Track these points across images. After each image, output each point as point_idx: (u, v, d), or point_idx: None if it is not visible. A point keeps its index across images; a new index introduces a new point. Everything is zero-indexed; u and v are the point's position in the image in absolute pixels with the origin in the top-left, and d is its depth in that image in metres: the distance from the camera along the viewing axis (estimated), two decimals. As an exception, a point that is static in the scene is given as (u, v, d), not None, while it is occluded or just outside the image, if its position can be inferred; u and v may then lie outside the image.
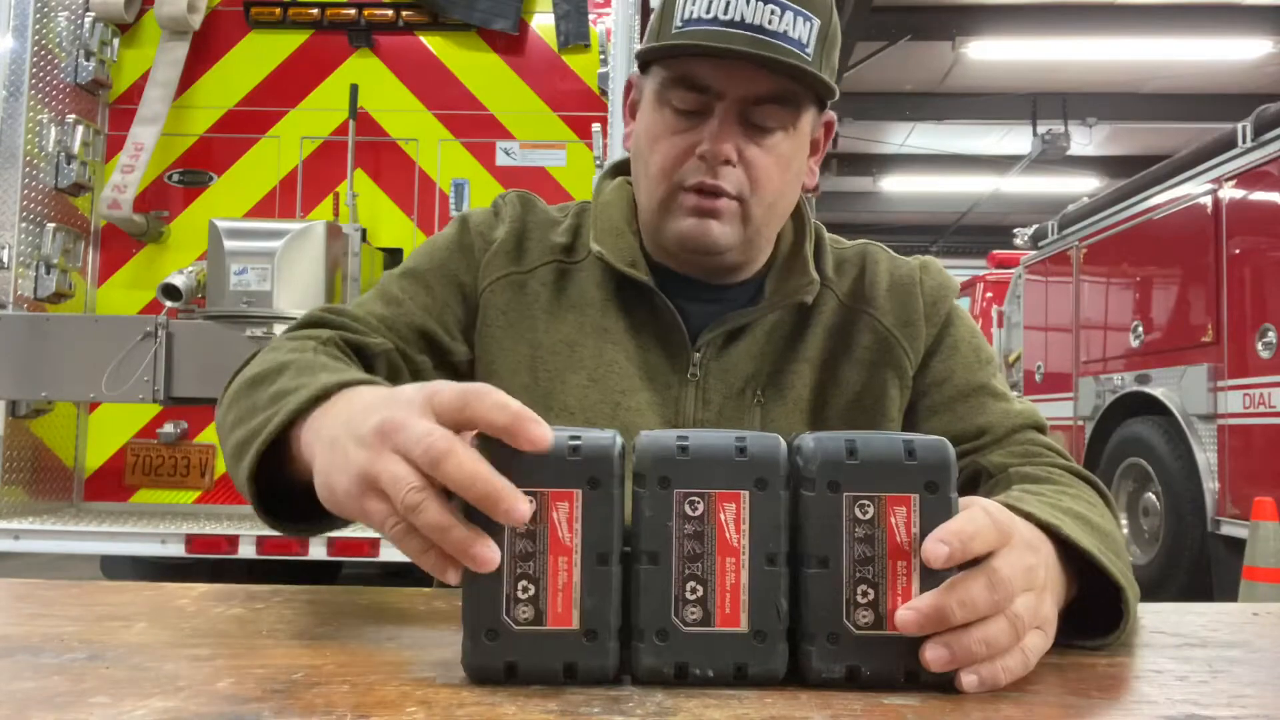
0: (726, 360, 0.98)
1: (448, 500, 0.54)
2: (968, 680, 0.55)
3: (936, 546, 0.54)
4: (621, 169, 1.08)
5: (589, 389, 0.96)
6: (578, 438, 0.56)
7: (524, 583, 0.55)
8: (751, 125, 0.90)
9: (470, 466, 0.52)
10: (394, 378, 0.92)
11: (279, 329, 2.73)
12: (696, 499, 0.56)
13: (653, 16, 0.95)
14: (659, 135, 0.93)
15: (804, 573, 0.56)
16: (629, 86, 1.03)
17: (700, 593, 0.56)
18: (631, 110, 1.02)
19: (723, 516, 0.56)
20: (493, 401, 0.54)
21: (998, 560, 0.56)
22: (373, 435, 0.56)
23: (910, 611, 0.54)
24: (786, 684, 0.57)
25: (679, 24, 0.89)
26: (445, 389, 0.56)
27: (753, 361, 0.98)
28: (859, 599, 0.56)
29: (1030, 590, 0.58)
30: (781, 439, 0.58)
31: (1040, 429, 0.97)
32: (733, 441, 0.57)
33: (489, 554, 0.53)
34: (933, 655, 0.55)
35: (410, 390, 0.58)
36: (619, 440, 0.57)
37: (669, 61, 0.91)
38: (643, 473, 0.57)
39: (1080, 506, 0.77)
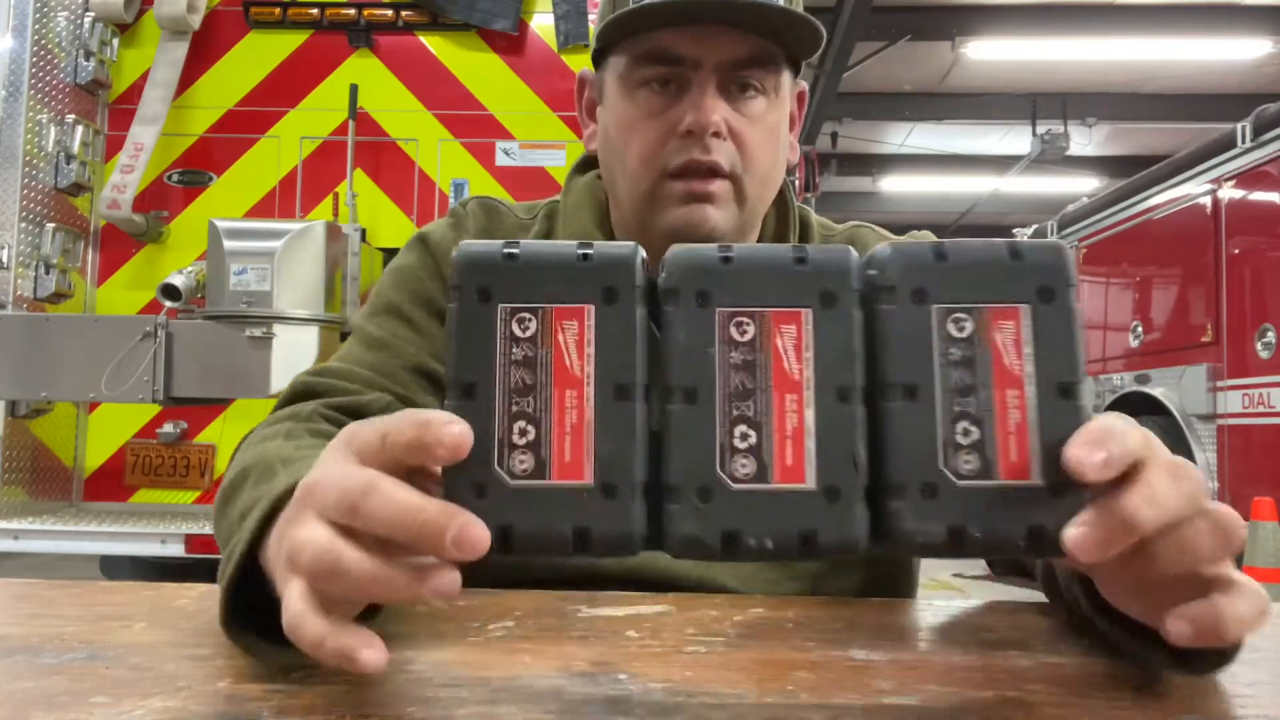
0: None
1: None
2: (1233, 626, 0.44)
3: (1082, 450, 0.41)
4: (590, 164, 1.01)
5: None
6: (589, 244, 0.46)
7: (521, 424, 0.44)
8: (732, 94, 0.84)
9: (398, 498, 0.43)
10: None
11: (279, 329, 2.75)
12: (745, 320, 0.44)
13: (601, 2, 0.89)
14: (633, 121, 0.85)
15: (886, 408, 0.44)
16: (582, 85, 0.96)
17: (753, 440, 0.44)
18: (589, 110, 0.95)
19: (779, 342, 0.44)
20: (407, 421, 0.44)
21: (1162, 454, 0.44)
22: (293, 507, 0.47)
23: (1078, 529, 0.41)
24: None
25: None
26: (363, 427, 0.47)
27: None
28: (959, 439, 0.44)
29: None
30: (854, 249, 0.47)
31: None
32: (790, 251, 0.45)
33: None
34: (1175, 627, 0.44)
35: (332, 443, 0.49)
36: (641, 252, 0.47)
37: (633, 40, 0.84)
38: (675, 288, 0.45)
39: None
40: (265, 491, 0.56)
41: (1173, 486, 0.43)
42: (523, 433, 0.44)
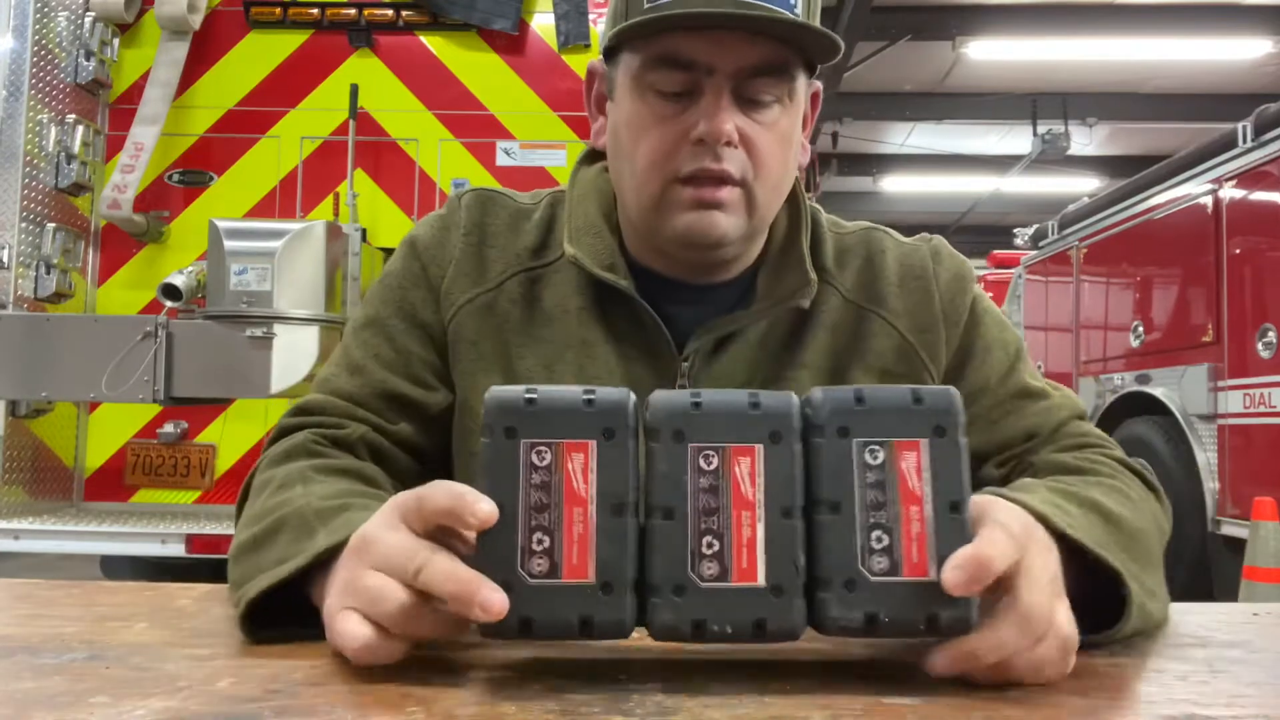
0: (717, 369, 0.90)
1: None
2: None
3: (954, 574, 0.53)
4: (596, 155, 0.99)
5: None
6: (592, 391, 0.57)
7: (539, 534, 0.55)
8: (746, 101, 0.83)
9: (445, 568, 0.55)
10: (378, 457, 0.89)
11: (279, 329, 2.75)
12: (711, 453, 0.56)
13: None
14: (644, 125, 0.85)
15: (817, 520, 0.56)
16: (591, 77, 0.95)
17: (717, 547, 0.56)
18: (598, 104, 0.94)
19: (737, 470, 0.56)
20: (442, 492, 0.57)
21: (1025, 594, 0.56)
22: (351, 558, 0.60)
23: (940, 657, 0.55)
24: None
25: None
26: (408, 498, 0.59)
27: (746, 369, 0.91)
28: (874, 545, 0.55)
29: (1060, 598, 0.58)
30: (794, 395, 0.59)
31: (1082, 416, 0.93)
32: (745, 397, 0.58)
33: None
34: (985, 679, 0.57)
35: (384, 507, 0.61)
36: (633, 396, 0.58)
37: (646, 41, 0.83)
38: (657, 427, 0.57)
39: (1110, 501, 0.73)
40: (308, 547, 0.66)
41: (1016, 636, 0.55)
42: (540, 541, 0.55)
